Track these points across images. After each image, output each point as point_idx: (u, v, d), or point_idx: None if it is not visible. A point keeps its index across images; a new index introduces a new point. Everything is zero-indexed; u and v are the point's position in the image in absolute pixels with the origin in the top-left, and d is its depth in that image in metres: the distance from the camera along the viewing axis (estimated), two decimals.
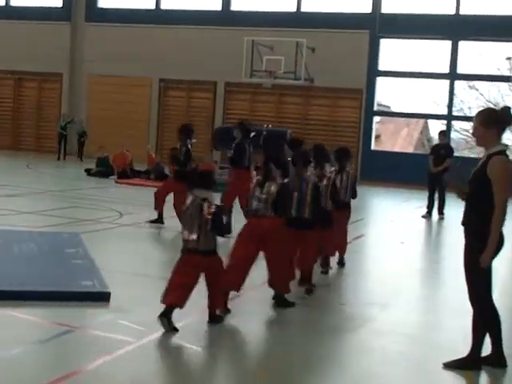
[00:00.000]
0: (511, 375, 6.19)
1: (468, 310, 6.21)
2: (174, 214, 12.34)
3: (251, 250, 7.54)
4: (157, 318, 6.63)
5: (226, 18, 27.47)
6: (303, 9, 26.79)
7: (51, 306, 7.16)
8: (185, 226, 6.83)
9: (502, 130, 6.05)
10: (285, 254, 7.79)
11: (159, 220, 12.78)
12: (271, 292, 8.04)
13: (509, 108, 6.15)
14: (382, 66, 26.19)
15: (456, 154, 18.43)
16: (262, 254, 7.71)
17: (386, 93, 28.04)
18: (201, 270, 6.80)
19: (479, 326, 6.15)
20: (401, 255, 12.09)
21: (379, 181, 24.24)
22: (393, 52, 26.18)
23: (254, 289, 8.44)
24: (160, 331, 6.61)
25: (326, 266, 9.71)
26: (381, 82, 26.56)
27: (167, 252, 11.14)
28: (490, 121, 6.01)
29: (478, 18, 24.72)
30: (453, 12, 25.17)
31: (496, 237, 5.86)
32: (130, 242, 11.42)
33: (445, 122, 26.20)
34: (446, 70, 25.50)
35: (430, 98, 27.42)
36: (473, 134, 6.27)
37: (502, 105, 26.11)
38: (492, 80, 26.77)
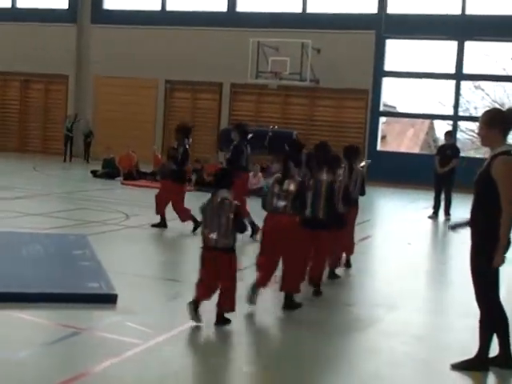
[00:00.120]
0: None
1: (475, 311, 6.20)
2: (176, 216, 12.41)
3: (273, 250, 7.71)
4: (186, 306, 6.83)
5: (232, 19, 27.48)
6: (309, 10, 26.77)
7: (58, 308, 7.16)
8: (206, 224, 6.97)
9: (507, 131, 6.03)
10: (299, 254, 7.83)
11: (162, 224, 12.73)
12: (276, 294, 8.02)
13: None
14: (387, 67, 26.15)
15: (462, 154, 18.39)
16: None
17: (392, 93, 28.02)
18: (217, 265, 6.91)
19: (486, 327, 6.14)
20: (408, 256, 12.07)
21: (385, 181, 24.20)
22: (399, 52, 26.15)
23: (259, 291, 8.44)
24: (168, 333, 6.61)
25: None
26: (387, 83, 26.53)
27: (174, 254, 11.16)
28: (494, 121, 6.00)
29: (483, 18, 24.67)
30: (459, 12, 25.12)
31: (505, 239, 5.85)
32: (136, 244, 11.42)
33: (451, 122, 26.15)
34: (452, 71, 25.46)
35: (436, 98, 27.41)
36: (478, 133, 6.26)
37: (508, 105, 26.15)
38: (498, 80, 26.74)
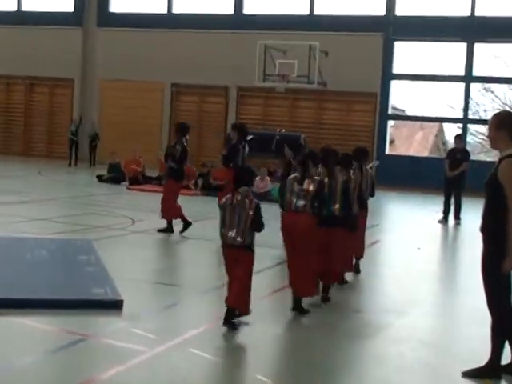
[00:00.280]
0: None
1: (487, 317, 6.15)
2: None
3: (294, 247, 7.86)
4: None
5: (239, 21, 27.49)
6: (316, 12, 26.77)
7: (63, 315, 7.15)
8: (225, 222, 7.08)
9: None
10: (312, 254, 7.90)
11: (169, 229, 12.71)
12: (286, 299, 8.01)
13: None
14: (396, 69, 26.12)
15: (472, 157, 18.32)
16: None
17: (401, 96, 28.02)
18: (235, 262, 7.06)
19: (498, 334, 6.09)
20: (417, 261, 12.02)
21: (394, 186, 24.14)
22: (407, 55, 26.11)
23: (270, 295, 8.42)
24: (174, 339, 6.59)
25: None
26: (395, 86, 26.49)
27: (180, 259, 11.15)
28: (503, 123, 5.99)
29: (493, 19, 24.61)
30: (468, 13, 25.07)
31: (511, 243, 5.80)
32: (142, 249, 11.42)
33: (460, 125, 26.10)
34: (462, 73, 25.39)
35: (445, 101, 27.38)
36: (487, 136, 6.25)
37: None
38: (508, 82, 26.63)
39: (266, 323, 7.42)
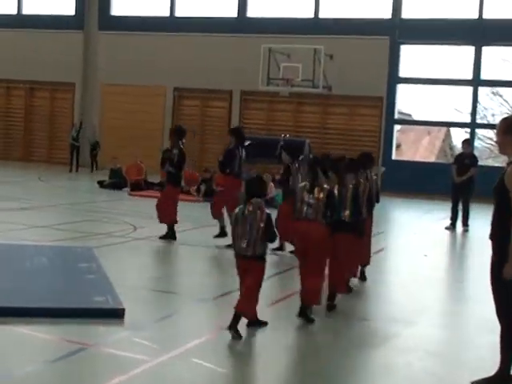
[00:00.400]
0: None
1: (496, 326, 6.13)
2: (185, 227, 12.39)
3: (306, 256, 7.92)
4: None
5: (242, 24, 27.52)
6: (321, 15, 26.77)
7: (63, 323, 7.13)
8: (237, 232, 7.16)
9: None
10: (323, 264, 8.01)
11: (170, 235, 12.72)
12: (290, 308, 7.99)
13: None
14: (402, 73, 26.10)
15: (480, 163, 18.29)
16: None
17: (407, 100, 27.95)
18: (247, 272, 7.14)
19: (508, 343, 6.06)
20: (424, 269, 11.99)
21: (400, 191, 24.11)
22: (414, 58, 26.10)
23: (273, 304, 8.40)
24: (177, 349, 6.56)
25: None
26: (401, 90, 26.48)
27: (181, 266, 11.13)
28: (510, 128, 5.98)
29: (501, 22, 24.60)
30: (476, 16, 25.06)
31: None
32: (143, 256, 11.41)
33: (468, 130, 26.06)
34: (469, 76, 25.37)
35: (453, 105, 27.32)
36: (495, 140, 6.23)
37: None
38: None
39: (270, 331, 7.40)
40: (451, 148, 35.51)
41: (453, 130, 33.08)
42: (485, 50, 25.09)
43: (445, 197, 18.50)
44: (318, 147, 22.79)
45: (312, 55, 23.22)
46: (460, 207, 17.03)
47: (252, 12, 27.78)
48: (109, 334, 7.02)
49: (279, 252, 11.84)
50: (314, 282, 7.84)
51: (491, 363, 6.18)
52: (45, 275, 8.93)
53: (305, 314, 7.85)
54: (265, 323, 7.36)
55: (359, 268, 10.04)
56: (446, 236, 16.30)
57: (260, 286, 7.22)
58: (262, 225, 7.06)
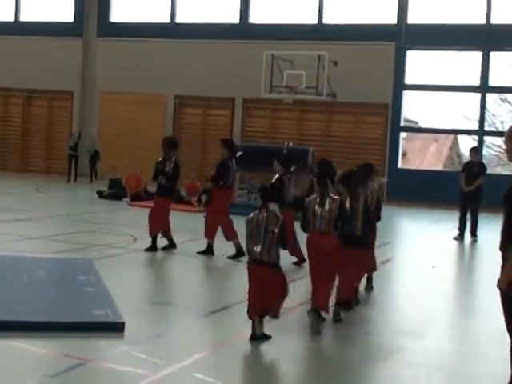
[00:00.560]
0: None
1: (506, 339, 6.11)
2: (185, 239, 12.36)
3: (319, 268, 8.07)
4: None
5: (244, 31, 27.58)
6: (325, 21, 26.83)
7: (62, 338, 7.12)
8: (251, 237, 7.31)
9: None
10: (335, 274, 8.16)
11: (172, 245, 12.75)
12: (294, 321, 7.98)
13: None
14: (408, 80, 26.13)
15: (488, 171, 18.26)
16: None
17: (413, 107, 27.97)
18: (261, 278, 7.27)
19: None
20: (432, 280, 11.97)
21: (407, 201, 24.10)
22: (420, 64, 26.13)
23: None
24: (178, 363, 6.55)
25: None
26: (408, 96, 26.50)
27: (183, 279, 11.11)
28: None
29: (510, 27, 24.61)
30: (483, 21, 25.10)
31: None
32: (144, 268, 11.42)
33: (476, 137, 26.07)
34: (477, 83, 25.39)
35: (460, 112, 27.33)
36: (504, 148, 6.23)
37: None
38: None
39: (274, 344, 7.38)
40: (459, 156, 35.51)
41: (460, 137, 33.08)
42: (493, 55, 25.12)
43: (453, 206, 18.47)
44: (322, 156, 22.64)
45: (316, 62, 23.24)
46: (468, 217, 17.01)
47: (254, 18, 27.84)
48: (109, 349, 7.01)
49: None
50: (324, 287, 7.99)
51: (502, 377, 6.16)
52: (43, 288, 8.92)
53: (317, 314, 8.00)
54: (269, 337, 7.35)
55: (365, 275, 10.13)
56: (454, 247, 16.28)
57: (286, 293, 7.43)
58: (276, 230, 7.18)
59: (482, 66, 25.19)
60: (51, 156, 30.59)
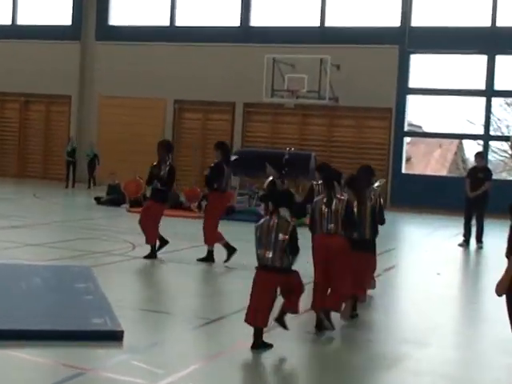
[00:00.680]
0: None
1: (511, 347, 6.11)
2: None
3: (327, 270, 8.19)
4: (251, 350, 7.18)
5: (245, 34, 27.62)
6: (327, 23, 26.87)
7: (60, 347, 7.11)
8: (261, 243, 7.32)
9: None
10: (348, 274, 8.20)
11: (160, 247, 12.74)
12: (297, 328, 7.97)
13: None
14: (412, 84, 26.15)
15: (494, 176, 18.26)
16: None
17: (418, 112, 28.01)
18: (276, 286, 7.35)
19: None
20: (437, 287, 11.96)
21: (411, 207, 24.11)
22: (424, 68, 26.15)
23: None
24: (178, 373, 6.54)
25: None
26: (411, 101, 26.52)
27: (183, 287, 11.10)
28: None
29: None
30: (489, 24, 25.12)
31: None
32: (144, 276, 11.41)
33: (481, 142, 26.07)
34: (482, 87, 25.40)
35: (465, 116, 27.38)
36: (510, 153, 6.23)
37: None
38: None
39: (276, 353, 7.36)
40: (464, 161, 35.56)
41: (465, 142, 33.17)
42: (498, 58, 25.13)
43: (457, 212, 18.47)
44: (325, 161, 22.69)
45: (318, 65, 23.29)
46: (474, 223, 17.00)
47: (255, 21, 27.89)
48: (107, 358, 7.00)
49: None
50: (340, 289, 8.14)
51: None
52: (40, 296, 8.91)
53: (322, 324, 8.12)
54: (270, 345, 7.34)
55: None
56: (460, 253, 16.27)
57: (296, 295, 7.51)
58: (287, 236, 7.22)
59: (488, 69, 25.21)
60: (49, 161, 30.62)
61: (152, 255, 12.46)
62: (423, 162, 36.61)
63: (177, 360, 7.09)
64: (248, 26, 27.91)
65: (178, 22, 29.05)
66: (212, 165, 12.74)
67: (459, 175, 27.70)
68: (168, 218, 15.73)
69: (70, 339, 7.23)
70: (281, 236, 7.23)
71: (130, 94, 28.71)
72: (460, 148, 37.13)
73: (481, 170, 17.27)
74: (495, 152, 30.24)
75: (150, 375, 6.45)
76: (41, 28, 30.47)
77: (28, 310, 8.17)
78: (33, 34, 30.28)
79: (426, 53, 25.97)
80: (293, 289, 7.44)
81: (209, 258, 12.40)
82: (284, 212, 7.40)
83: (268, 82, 24.11)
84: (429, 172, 33.74)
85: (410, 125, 27.91)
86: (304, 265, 8.02)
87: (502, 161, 31.81)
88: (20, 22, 31.45)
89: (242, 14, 27.89)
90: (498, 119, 28.41)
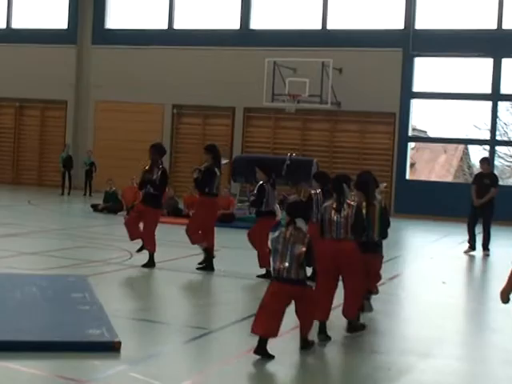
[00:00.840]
0: None
1: None
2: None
3: (334, 277, 8.29)
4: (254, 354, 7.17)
5: (246, 37, 27.66)
6: (329, 26, 26.91)
7: (56, 358, 7.11)
8: (276, 255, 7.39)
9: None
10: (361, 280, 8.33)
11: (141, 249, 12.77)
12: (295, 339, 7.97)
13: None
14: (416, 87, 26.19)
15: (500, 182, 18.27)
16: None
17: (422, 116, 28.03)
18: (291, 298, 7.41)
19: None
20: (442, 296, 11.95)
21: (415, 213, 24.11)
22: (428, 72, 26.19)
23: (280, 336, 8.38)
24: None
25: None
26: (416, 105, 26.56)
27: (181, 296, 11.11)
28: None
29: None
30: (494, 27, 25.16)
31: None
32: (141, 286, 11.41)
33: (487, 147, 26.09)
34: (488, 91, 25.44)
35: (471, 121, 27.39)
36: None
37: None
38: None
39: (277, 365, 7.36)
40: (469, 167, 35.55)
41: (471, 147, 33.15)
42: (504, 61, 25.18)
43: (463, 219, 18.44)
44: (327, 167, 22.82)
45: (320, 69, 23.34)
46: (480, 230, 16.99)
47: (256, 24, 27.93)
48: (104, 369, 6.99)
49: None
50: (353, 296, 8.27)
51: None
52: (36, 306, 8.91)
53: (355, 324, 8.31)
54: (272, 357, 7.34)
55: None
56: (466, 261, 16.27)
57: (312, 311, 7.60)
58: (304, 248, 7.27)
59: (493, 73, 25.25)
60: (44, 168, 30.65)
61: (150, 264, 12.47)
62: (428, 167, 36.62)
63: (175, 371, 7.09)
64: (248, 29, 27.95)
65: (177, 25, 29.10)
66: (202, 168, 12.67)
67: (465, 181, 27.71)
68: (166, 225, 15.75)
69: (66, 350, 7.23)
70: (297, 248, 7.28)
71: (127, 98, 28.75)
72: (465, 153, 37.15)
73: (486, 176, 17.27)
74: (502, 157, 30.28)
75: None
76: (36, 32, 30.55)
77: (23, 320, 8.17)
78: (28, 38, 30.35)
79: (430, 56, 26.01)
80: (307, 303, 7.47)
81: (208, 267, 12.37)
82: (300, 223, 7.47)
83: (269, 86, 24.15)
84: (433, 178, 33.74)
85: (415, 130, 27.94)
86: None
87: (508, 166, 31.85)
88: (15, 25, 31.52)
89: (241, 16, 27.93)
90: (505, 124, 28.46)
